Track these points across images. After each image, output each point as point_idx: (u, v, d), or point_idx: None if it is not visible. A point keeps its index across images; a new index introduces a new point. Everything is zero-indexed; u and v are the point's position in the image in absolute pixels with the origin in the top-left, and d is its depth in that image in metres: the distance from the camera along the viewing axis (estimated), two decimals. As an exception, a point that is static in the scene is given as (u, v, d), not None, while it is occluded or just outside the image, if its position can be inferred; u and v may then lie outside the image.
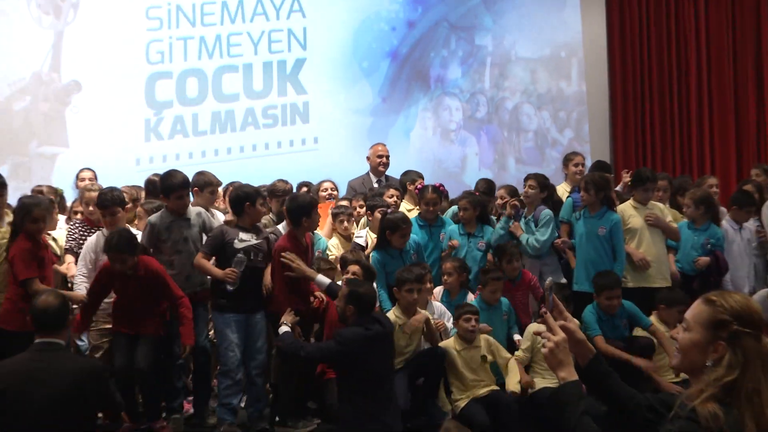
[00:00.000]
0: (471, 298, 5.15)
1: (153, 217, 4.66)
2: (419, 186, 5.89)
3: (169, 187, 4.63)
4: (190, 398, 4.87)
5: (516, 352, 4.84)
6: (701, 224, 5.69)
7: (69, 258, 5.05)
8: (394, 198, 5.98)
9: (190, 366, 4.92)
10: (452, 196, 6.50)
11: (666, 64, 9.69)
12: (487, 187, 6.37)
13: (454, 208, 5.94)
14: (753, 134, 9.71)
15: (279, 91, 8.47)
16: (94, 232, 4.91)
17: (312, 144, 8.50)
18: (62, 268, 5.00)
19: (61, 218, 5.74)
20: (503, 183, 7.02)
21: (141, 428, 4.32)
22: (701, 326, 1.97)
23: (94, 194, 4.95)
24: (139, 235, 4.74)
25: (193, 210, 4.75)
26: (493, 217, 5.86)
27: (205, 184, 5.13)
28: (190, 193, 4.88)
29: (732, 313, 1.93)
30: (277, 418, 4.52)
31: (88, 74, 7.86)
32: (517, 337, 5.06)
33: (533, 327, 4.84)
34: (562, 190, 6.41)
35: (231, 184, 6.00)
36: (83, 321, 4.38)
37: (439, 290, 5.12)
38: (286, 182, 5.97)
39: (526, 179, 5.81)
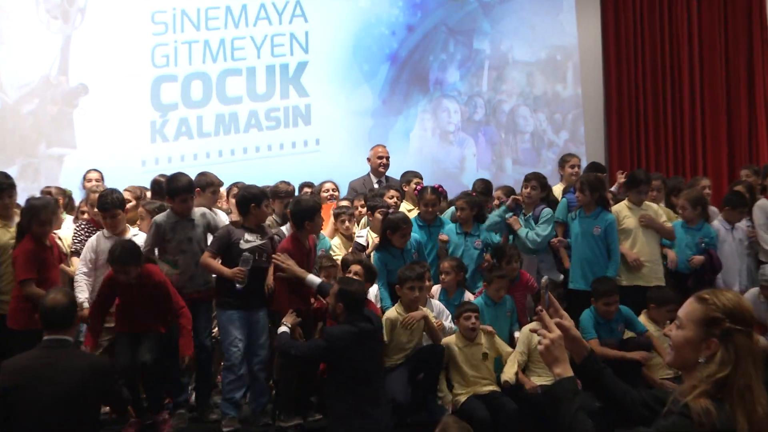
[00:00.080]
0: (469, 296, 5.15)
1: (158, 217, 4.66)
2: (418, 187, 5.89)
3: (173, 190, 4.62)
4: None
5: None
6: (695, 224, 5.69)
7: (75, 260, 5.02)
8: (394, 199, 5.98)
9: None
10: (451, 196, 6.50)
11: (659, 68, 9.69)
12: (484, 187, 6.37)
13: (453, 208, 5.94)
14: (744, 136, 9.72)
15: (281, 94, 8.47)
16: (99, 233, 4.90)
17: (314, 145, 8.50)
18: (69, 270, 5.00)
19: (69, 218, 5.74)
20: (500, 184, 7.04)
21: (146, 423, 4.32)
22: (694, 324, 1.98)
23: None
24: (139, 235, 4.74)
25: (198, 211, 4.75)
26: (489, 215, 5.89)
27: (207, 184, 5.15)
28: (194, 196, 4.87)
29: (724, 310, 1.93)
30: (277, 413, 4.53)
31: (95, 77, 7.87)
32: (517, 333, 5.07)
33: (527, 329, 4.85)
34: (558, 190, 6.41)
35: (234, 184, 6.01)
36: (93, 336, 4.27)
37: (436, 289, 5.13)
38: (288, 184, 5.97)
39: (528, 179, 5.80)
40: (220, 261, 4.53)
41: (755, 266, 5.91)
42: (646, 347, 4.84)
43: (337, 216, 5.56)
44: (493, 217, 5.57)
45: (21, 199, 4.95)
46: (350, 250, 5.36)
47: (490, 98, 9.22)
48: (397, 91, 8.88)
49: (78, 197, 6.25)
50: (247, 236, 4.50)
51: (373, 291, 5.00)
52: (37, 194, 5.79)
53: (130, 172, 7.13)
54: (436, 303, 4.92)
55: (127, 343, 4.24)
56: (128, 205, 5.54)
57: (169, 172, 6.13)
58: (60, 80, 7.81)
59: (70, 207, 5.99)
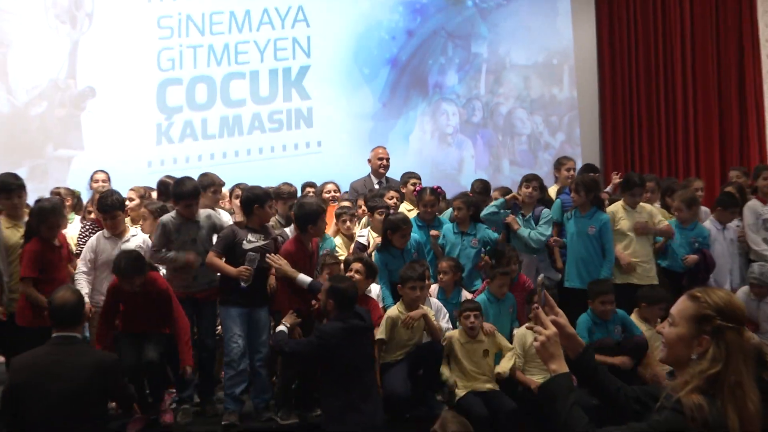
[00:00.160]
0: (466, 295, 5.16)
1: (165, 218, 4.65)
2: (416, 188, 5.90)
3: (178, 195, 4.62)
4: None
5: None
6: (689, 224, 5.70)
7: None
8: (394, 199, 5.99)
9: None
10: (449, 196, 6.49)
11: (653, 71, 9.70)
12: (482, 187, 6.37)
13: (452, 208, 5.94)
14: (736, 137, 9.73)
15: (284, 97, 8.47)
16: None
17: (316, 147, 8.50)
18: (70, 269, 4.99)
19: (78, 218, 5.75)
20: (498, 185, 7.04)
21: (151, 418, 4.33)
22: (686, 321, 1.98)
23: None
24: (138, 235, 4.72)
25: (203, 212, 4.75)
26: None
27: (208, 184, 5.16)
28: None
29: (715, 308, 1.94)
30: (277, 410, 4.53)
31: (103, 81, 7.87)
32: (516, 330, 5.06)
33: (521, 330, 4.84)
34: (552, 192, 6.41)
35: (237, 185, 6.01)
36: (101, 344, 4.24)
37: (434, 288, 5.13)
38: (291, 185, 5.96)
39: (529, 179, 5.79)
40: (224, 260, 4.53)
41: (746, 265, 5.91)
42: (642, 348, 4.82)
43: (338, 216, 5.56)
44: (489, 207, 5.56)
45: (30, 200, 4.95)
46: (351, 249, 5.36)
47: (488, 101, 9.22)
48: (397, 94, 8.88)
49: (85, 198, 6.26)
50: (250, 236, 4.50)
51: (376, 290, 5.00)
52: (46, 195, 5.81)
53: (136, 173, 7.12)
54: (434, 301, 4.92)
55: (131, 343, 4.23)
56: (132, 204, 5.57)
57: (174, 173, 6.16)
58: (68, 83, 7.81)
59: (78, 207, 5.99)
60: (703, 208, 6.25)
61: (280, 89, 8.46)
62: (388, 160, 6.84)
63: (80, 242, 5.11)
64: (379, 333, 4.53)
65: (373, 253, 5.17)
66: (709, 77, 9.73)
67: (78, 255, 4.96)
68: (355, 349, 4.01)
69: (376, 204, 5.57)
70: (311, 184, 6.67)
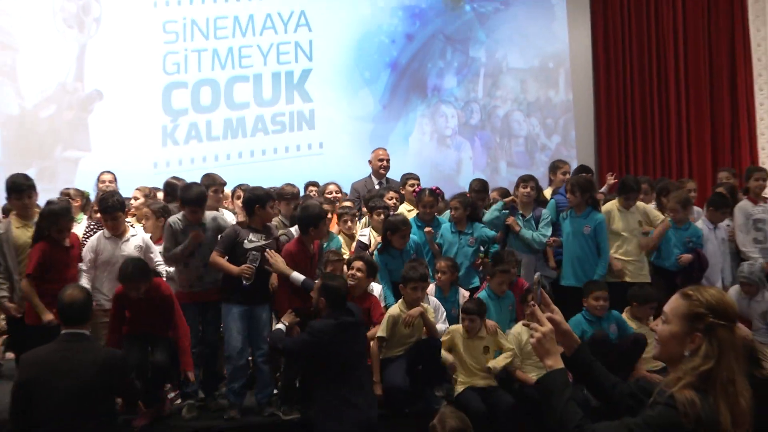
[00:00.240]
0: (464, 293, 5.16)
1: (171, 219, 4.66)
2: (415, 188, 5.89)
3: (184, 200, 4.62)
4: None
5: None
6: (683, 224, 5.70)
7: None
8: (393, 200, 5.99)
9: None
10: (448, 197, 6.50)
11: (647, 74, 9.71)
12: (480, 185, 6.34)
13: (451, 208, 5.94)
14: (727, 139, 9.75)
15: (287, 100, 8.48)
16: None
17: (317, 149, 8.50)
18: None
19: (86, 218, 5.74)
20: (495, 185, 7.04)
21: (156, 415, 4.34)
22: (679, 319, 1.97)
23: None
24: (138, 235, 4.71)
25: (209, 215, 4.74)
26: (485, 211, 5.90)
27: (210, 183, 5.19)
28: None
29: (707, 306, 1.93)
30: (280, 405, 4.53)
31: (110, 84, 7.88)
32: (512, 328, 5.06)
33: (516, 328, 4.84)
34: (548, 194, 6.40)
35: (239, 186, 6.00)
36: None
37: (432, 287, 5.12)
38: (293, 186, 5.95)
39: (526, 180, 5.78)
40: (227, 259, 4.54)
41: (736, 264, 5.92)
42: (641, 343, 4.82)
43: (340, 216, 5.57)
44: (492, 212, 5.57)
45: (39, 200, 4.95)
46: (353, 248, 5.37)
47: (486, 104, 9.22)
48: (397, 97, 8.88)
49: (93, 198, 6.25)
50: (252, 236, 4.50)
51: (378, 290, 5.01)
52: (54, 195, 5.81)
53: (142, 174, 7.12)
54: (433, 300, 4.92)
55: (136, 342, 4.25)
56: (137, 203, 5.58)
57: (180, 174, 6.18)
58: (76, 87, 7.82)
59: (87, 208, 5.99)
60: (696, 209, 6.25)
61: (282, 92, 8.46)
62: (388, 161, 6.84)
63: (84, 241, 5.10)
64: (381, 331, 4.54)
65: (373, 254, 5.17)
66: (701, 80, 9.74)
67: None
68: (348, 346, 4.00)
69: (376, 204, 5.58)
70: (314, 183, 6.67)
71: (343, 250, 5.32)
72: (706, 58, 9.78)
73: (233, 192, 6.08)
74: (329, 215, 5.40)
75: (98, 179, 6.46)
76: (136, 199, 5.73)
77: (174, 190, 5.60)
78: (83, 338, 3.41)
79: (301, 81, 8.53)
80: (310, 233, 4.56)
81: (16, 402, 3.26)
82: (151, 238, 4.86)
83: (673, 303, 2.02)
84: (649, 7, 9.74)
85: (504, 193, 6.30)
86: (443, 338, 4.68)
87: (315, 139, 8.51)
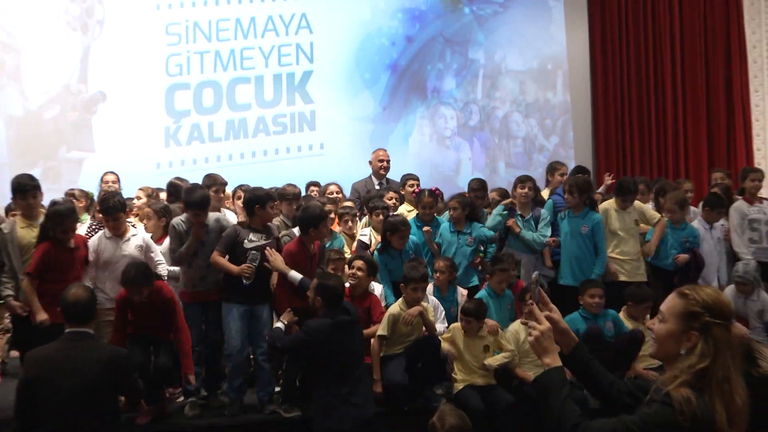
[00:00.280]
0: (462, 292, 5.16)
1: (175, 220, 4.66)
2: (414, 189, 5.88)
3: (187, 203, 4.61)
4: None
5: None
6: (680, 224, 5.70)
7: None
8: (393, 200, 5.99)
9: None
10: (447, 197, 6.50)
11: (644, 76, 9.70)
12: (479, 184, 6.33)
13: (450, 209, 5.94)
14: (723, 140, 9.74)
15: (288, 101, 8.47)
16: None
17: (318, 149, 8.50)
18: None
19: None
20: (494, 186, 7.04)
21: (159, 413, 4.35)
22: (675, 318, 1.97)
23: None
24: (138, 235, 4.70)
25: (212, 216, 4.74)
26: (485, 210, 5.91)
27: (211, 183, 5.23)
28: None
29: (703, 305, 1.93)
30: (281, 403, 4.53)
31: (113, 85, 7.88)
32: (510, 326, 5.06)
33: (512, 327, 4.83)
34: (545, 195, 6.40)
35: (239, 187, 6.00)
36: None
37: (430, 287, 5.13)
38: (294, 186, 5.96)
39: (524, 180, 5.78)
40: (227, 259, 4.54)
41: (732, 263, 5.92)
42: (637, 340, 4.82)
43: (341, 216, 5.57)
44: (495, 218, 5.56)
45: (43, 200, 4.95)
46: (354, 248, 5.37)
47: (485, 105, 9.22)
48: (397, 98, 8.88)
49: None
50: (252, 236, 4.50)
51: (379, 289, 5.01)
52: (58, 195, 5.81)
53: (145, 175, 7.12)
54: (432, 299, 4.92)
55: (139, 342, 4.26)
56: (139, 203, 5.59)
57: (182, 175, 6.18)
58: (80, 88, 7.82)
59: (91, 208, 5.99)
60: (692, 208, 6.26)
61: (284, 93, 8.46)
62: (388, 161, 6.85)
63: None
64: (381, 329, 4.54)
65: (374, 253, 5.17)
66: (697, 81, 9.73)
67: None
68: (344, 345, 4.00)
69: (375, 205, 5.59)
70: (315, 183, 6.68)
71: (345, 250, 5.33)
72: (703, 59, 9.78)
73: (234, 192, 6.09)
74: (332, 215, 5.41)
75: (102, 179, 6.46)
76: (138, 198, 5.74)
77: (177, 190, 5.60)
78: (87, 337, 3.40)
79: (302, 82, 8.53)
80: (310, 234, 4.56)
81: (21, 400, 3.25)
82: (152, 237, 4.86)
83: (670, 302, 2.02)
84: (646, 10, 9.74)
85: (503, 193, 6.30)
86: (446, 334, 4.69)
87: (316, 139, 8.51)
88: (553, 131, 9.41)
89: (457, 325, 4.72)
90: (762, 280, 5.55)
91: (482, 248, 5.51)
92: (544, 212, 5.70)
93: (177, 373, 4.43)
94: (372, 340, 4.54)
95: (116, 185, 6.27)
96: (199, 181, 5.64)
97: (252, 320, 4.50)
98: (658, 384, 1.91)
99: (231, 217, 5.31)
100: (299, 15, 8.58)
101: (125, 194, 5.93)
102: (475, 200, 5.89)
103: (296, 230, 5.02)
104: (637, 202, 5.74)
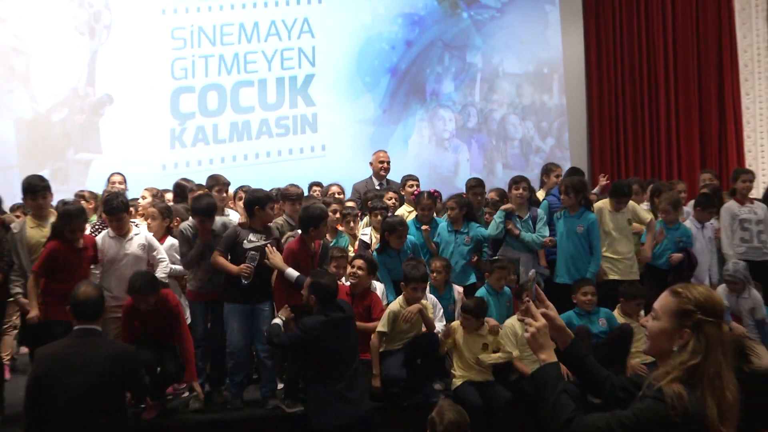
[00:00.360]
0: (458, 290, 5.16)
1: (183, 225, 4.68)
2: (413, 189, 5.86)
3: (194, 210, 4.63)
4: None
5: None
6: (674, 224, 5.70)
7: None
8: (393, 200, 5.99)
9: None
10: (446, 197, 6.49)
11: (637, 78, 9.71)
12: (477, 182, 6.28)
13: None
14: (715, 141, 9.75)
15: (290, 104, 8.48)
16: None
17: (320, 151, 8.50)
18: None
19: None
20: (492, 186, 7.02)
21: (163, 408, 4.36)
22: (668, 315, 1.97)
23: None
24: (141, 234, 4.69)
25: (219, 221, 4.75)
26: (485, 209, 5.89)
27: (213, 184, 5.31)
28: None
29: (696, 303, 1.93)
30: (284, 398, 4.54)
31: (120, 88, 7.89)
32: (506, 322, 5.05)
33: (508, 324, 4.83)
34: (541, 196, 6.39)
35: (240, 188, 6.00)
36: None
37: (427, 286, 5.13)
38: (297, 187, 5.93)
39: (517, 182, 5.75)
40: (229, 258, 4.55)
41: (723, 262, 5.91)
42: (627, 334, 4.82)
43: (343, 217, 5.56)
44: (498, 226, 5.51)
45: (53, 201, 4.95)
46: (356, 247, 5.37)
47: (482, 108, 9.22)
48: (397, 101, 8.88)
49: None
50: (251, 237, 4.50)
51: (380, 288, 5.01)
52: (67, 196, 5.82)
53: (151, 176, 7.13)
54: (431, 297, 4.92)
55: (145, 341, 4.25)
56: (144, 202, 5.59)
57: (187, 176, 6.18)
58: (87, 91, 7.83)
59: (99, 208, 6.00)
60: (684, 208, 6.25)
61: (286, 96, 8.46)
62: (388, 163, 6.85)
63: None
64: (381, 326, 4.55)
65: (373, 253, 5.17)
66: (690, 84, 9.74)
67: None
68: (338, 341, 4.00)
69: (375, 205, 5.60)
70: (317, 184, 6.69)
71: (348, 248, 5.33)
72: (695, 63, 9.79)
73: (235, 193, 6.09)
74: (337, 215, 5.42)
75: (108, 180, 6.46)
76: (143, 198, 5.74)
77: (183, 191, 5.62)
78: (96, 334, 3.40)
79: (305, 86, 8.53)
80: (310, 233, 4.56)
81: (31, 396, 3.25)
82: (154, 236, 4.86)
83: (663, 300, 2.02)
84: (640, 14, 9.75)
85: (501, 193, 6.29)
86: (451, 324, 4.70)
87: (318, 141, 8.51)
88: (549, 133, 9.42)
89: (457, 323, 4.72)
90: (754, 278, 5.55)
91: (483, 246, 5.52)
92: (541, 212, 5.70)
93: (182, 369, 4.43)
94: (372, 336, 4.54)
95: (123, 186, 6.27)
96: (203, 182, 5.66)
97: (253, 318, 4.51)
98: (650, 379, 1.90)
99: (235, 217, 5.31)
100: (301, 20, 8.58)
101: (131, 195, 5.94)
102: (473, 197, 5.90)
103: (300, 231, 5.02)
104: (630, 202, 5.74)
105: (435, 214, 5.65)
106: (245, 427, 4.34)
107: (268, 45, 8.47)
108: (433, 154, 8.98)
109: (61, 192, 6.14)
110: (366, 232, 5.56)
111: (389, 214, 5.51)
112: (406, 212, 5.84)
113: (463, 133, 9.12)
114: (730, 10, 9.79)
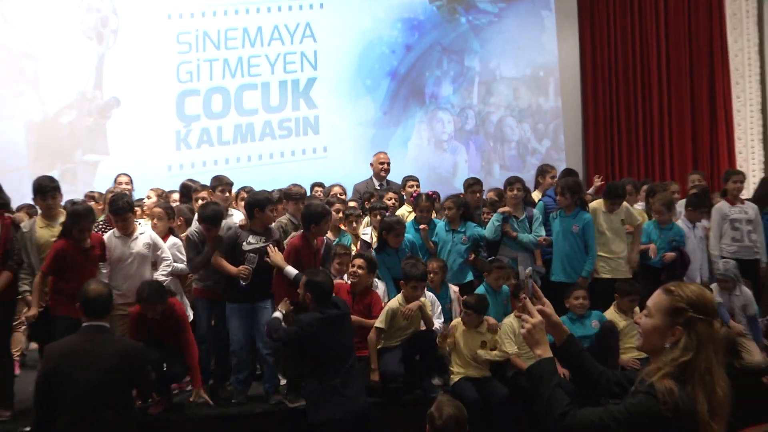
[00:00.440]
0: (454, 289, 5.16)
1: (190, 231, 4.69)
2: (412, 189, 5.86)
3: (200, 217, 4.61)
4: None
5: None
6: (667, 224, 5.71)
7: None
8: (392, 200, 5.98)
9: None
10: (444, 198, 6.48)
11: (631, 82, 9.72)
12: (474, 180, 6.27)
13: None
14: (707, 144, 9.76)
15: (293, 106, 8.48)
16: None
17: (322, 152, 8.51)
18: None
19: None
20: (489, 187, 7.02)
21: (169, 403, 4.37)
22: (661, 313, 1.98)
23: None
24: (146, 233, 4.67)
25: (225, 225, 4.76)
26: (483, 208, 5.90)
27: (217, 183, 5.34)
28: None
29: (688, 301, 1.94)
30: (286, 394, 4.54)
31: (126, 92, 7.90)
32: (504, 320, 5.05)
33: (506, 322, 4.83)
34: (536, 196, 6.39)
35: (242, 189, 6.00)
36: None
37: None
38: (300, 186, 5.95)
39: (511, 183, 5.71)
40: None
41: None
42: (610, 330, 4.83)
43: (346, 217, 5.57)
44: (497, 229, 5.50)
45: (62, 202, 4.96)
46: (359, 246, 5.38)
47: (480, 110, 9.23)
48: (397, 104, 8.89)
49: (109, 199, 6.26)
50: (251, 238, 4.50)
51: (382, 288, 5.00)
52: (75, 196, 5.82)
53: (157, 177, 7.15)
54: (430, 295, 4.92)
55: (154, 344, 4.26)
56: (149, 202, 5.60)
57: (193, 177, 6.18)
58: (95, 94, 7.83)
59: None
60: (679, 209, 6.26)
61: (289, 99, 8.47)
62: (388, 164, 6.85)
63: None
64: (379, 322, 4.55)
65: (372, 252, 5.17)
66: (682, 87, 9.75)
67: None
68: (334, 338, 4.00)
69: (374, 205, 5.62)
70: (320, 184, 6.70)
71: (351, 247, 5.34)
72: (687, 67, 9.79)
73: (237, 194, 6.09)
74: (340, 214, 5.43)
75: (115, 181, 6.46)
76: (149, 198, 5.75)
77: (189, 191, 5.62)
78: (104, 330, 3.40)
79: (307, 89, 8.54)
80: (312, 230, 4.56)
81: (40, 392, 3.25)
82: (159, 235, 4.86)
83: (656, 298, 2.02)
84: (634, 19, 9.75)
85: (500, 193, 6.28)
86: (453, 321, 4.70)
87: (320, 143, 8.52)
88: (545, 135, 9.42)
89: (457, 320, 4.72)
90: (744, 276, 5.55)
91: (481, 248, 5.52)
92: (536, 212, 5.69)
93: (187, 371, 4.43)
94: (370, 332, 4.54)
95: (129, 186, 6.27)
96: (208, 182, 5.66)
97: (255, 317, 4.51)
98: (642, 375, 1.91)
99: (238, 217, 5.31)
100: (304, 24, 8.59)
101: (137, 195, 5.95)
102: (471, 195, 5.90)
103: None
104: (623, 203, 5.74)
105: (434, 215, 5.65)
106: (249, 421, 4.35)
107: (271, 49, 8.47)
108: (431, 156, 8.98)
109: (70, 193, 6.14)
110: (367, 232, 5.56)
111: (388, 214, 5.50)
112: (406, 212, 5.84)
113: (461, 135, 9.12)
114: (721, 15, 9.80)
